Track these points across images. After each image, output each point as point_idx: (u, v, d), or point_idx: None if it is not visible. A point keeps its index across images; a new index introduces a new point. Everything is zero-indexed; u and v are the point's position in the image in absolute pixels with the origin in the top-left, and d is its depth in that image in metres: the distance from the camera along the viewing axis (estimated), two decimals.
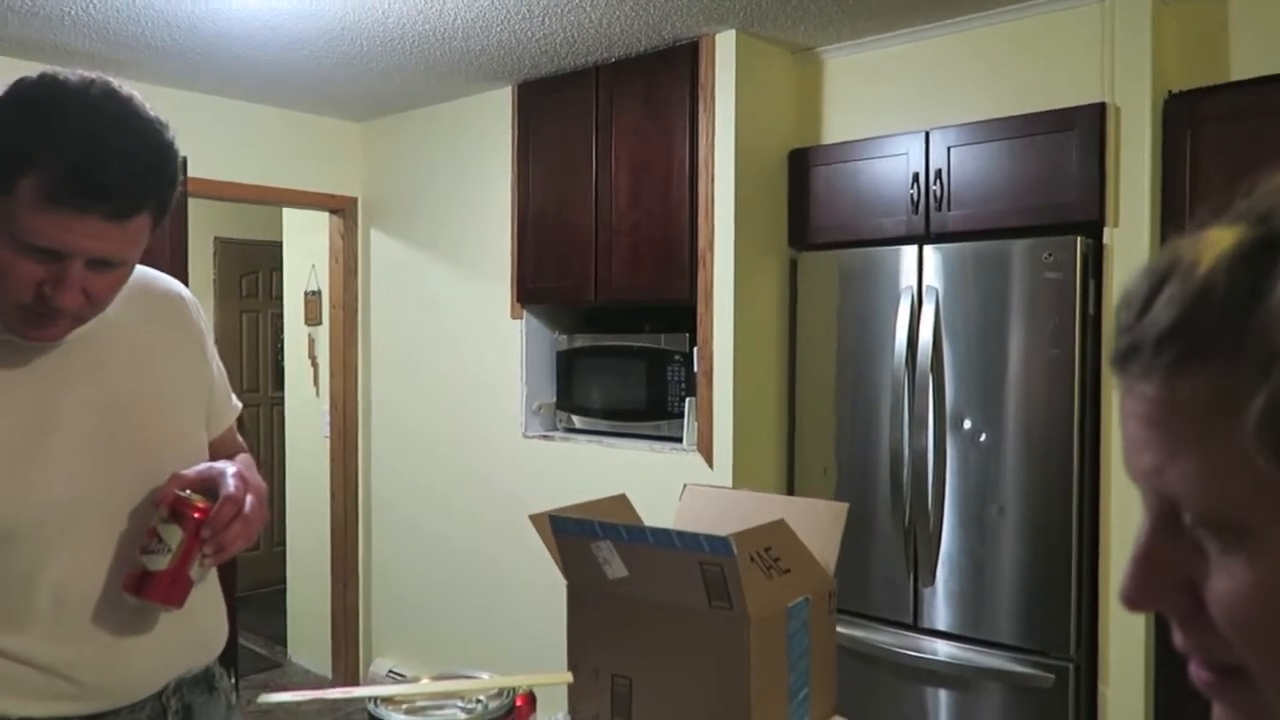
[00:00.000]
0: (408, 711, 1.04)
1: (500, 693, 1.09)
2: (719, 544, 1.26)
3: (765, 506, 1.56)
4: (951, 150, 2.68)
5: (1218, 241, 0.41)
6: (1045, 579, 2.50)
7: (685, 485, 1.66)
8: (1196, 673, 0.45)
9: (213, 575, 1.27)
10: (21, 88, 1.01)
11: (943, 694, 2.68)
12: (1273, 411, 0.37)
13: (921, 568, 2.71)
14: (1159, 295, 0.41)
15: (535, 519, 1.43)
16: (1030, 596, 2.54)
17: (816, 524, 1.51)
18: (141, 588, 1.09)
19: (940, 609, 2.69)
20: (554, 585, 1.45)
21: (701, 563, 1.29)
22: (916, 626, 2.73)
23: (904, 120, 2.84)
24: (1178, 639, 0.45)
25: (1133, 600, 0.44)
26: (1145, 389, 0.42)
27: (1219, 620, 0.41)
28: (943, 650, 2.67)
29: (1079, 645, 2.46)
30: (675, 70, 3.03)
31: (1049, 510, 2.50)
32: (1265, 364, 0.37)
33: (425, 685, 1.11)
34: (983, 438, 2.59)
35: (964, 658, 2.63)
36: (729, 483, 2.89)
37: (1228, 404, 0.38)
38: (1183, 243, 0.42)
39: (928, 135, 2.72)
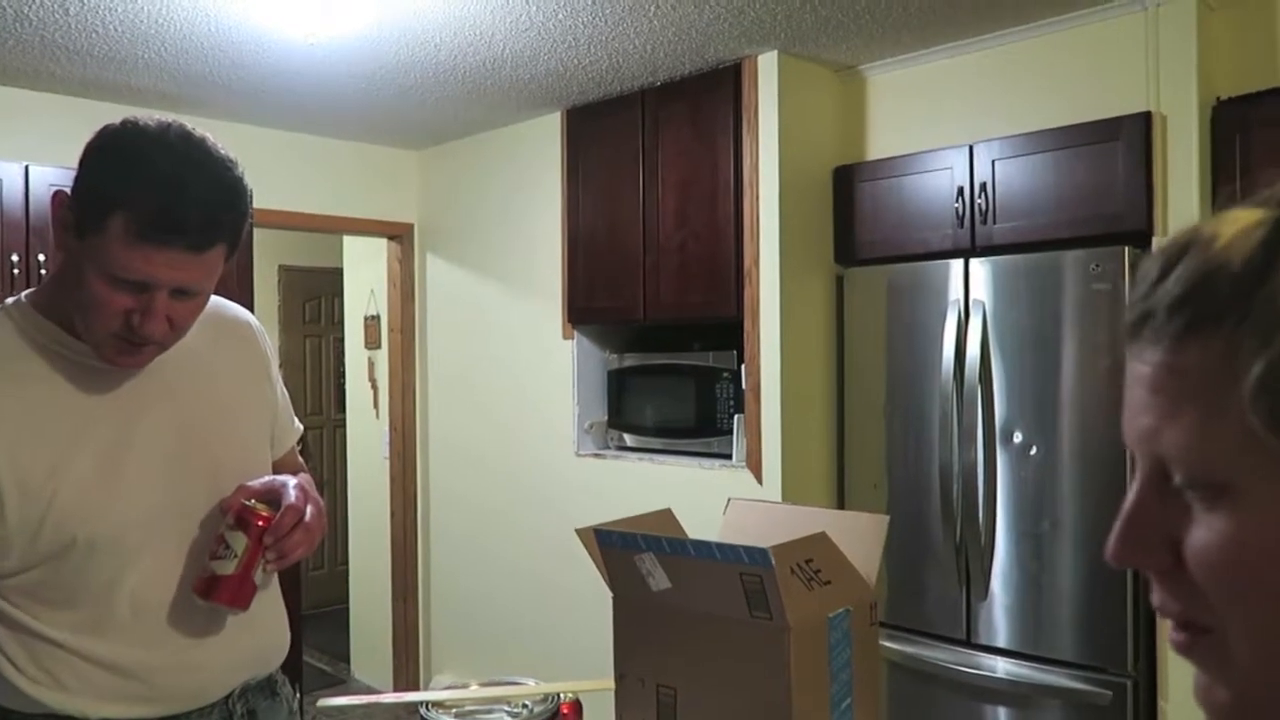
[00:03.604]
0: (457, 715, 1.09)
1: (545, 698, 1.13)
2: (758, 555, 1.29)
3: (808, 519, 1.58)
4: (996, 163, 2.69)
5: (1238, 219, 0.44)
6: (1102, 594, 2.47)
7: (729, 499, 1.69)
8: (1173, 636, 0.48)
9: (275, 590, 1.34)
10: (107, 135, 1.10)
11: (999, 710, 2.65)
12: (1270, 378, 0.40)
13: (974, 583, 2.69)
14: (1175, 267, 0.45)
15: (581, 533, 1.48)
16: (1087, 611, 2.50)
17: (858, 536, 1.53)
18: (210, 591, 1.17)
19: (995, 624, 2.67)
20: (608, 599, 1.48)
21: (741, 574, 1.32)
22: (970, 642, 2.71)
23: (948, 134, 2.84)
24: (1155, 596, 0.47)
25: (1117, 556, 0.47)
26: (1153, 355, 0.45)
27: (1195, 571, 0.44)
28: (998, 666, 2.65)
29: (1137, 661, 2.42)
30: (719, 92, 3.08)
31: (1104, 523, 2.45)
32: (1267, 333, 0.40)
33: (475, 691, 1.16)
34: (1034, 451, 2.57)
35: (1019, 674, 2.60)
36: (778, 499, 2.91)
37: (1229, 369, 0.42)
38: (1204, 222, 0.46)
39: (972, 149, 2.73)
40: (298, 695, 1.45)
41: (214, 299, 1.28)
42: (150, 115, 1.12)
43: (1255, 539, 0.42)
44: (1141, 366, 0.46)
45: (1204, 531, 0.44)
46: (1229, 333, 0.42)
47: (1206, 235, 0.44)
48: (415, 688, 4.31)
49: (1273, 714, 0.45)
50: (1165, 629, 2.43)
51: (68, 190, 1.10)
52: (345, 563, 4.95)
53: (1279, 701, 0.44)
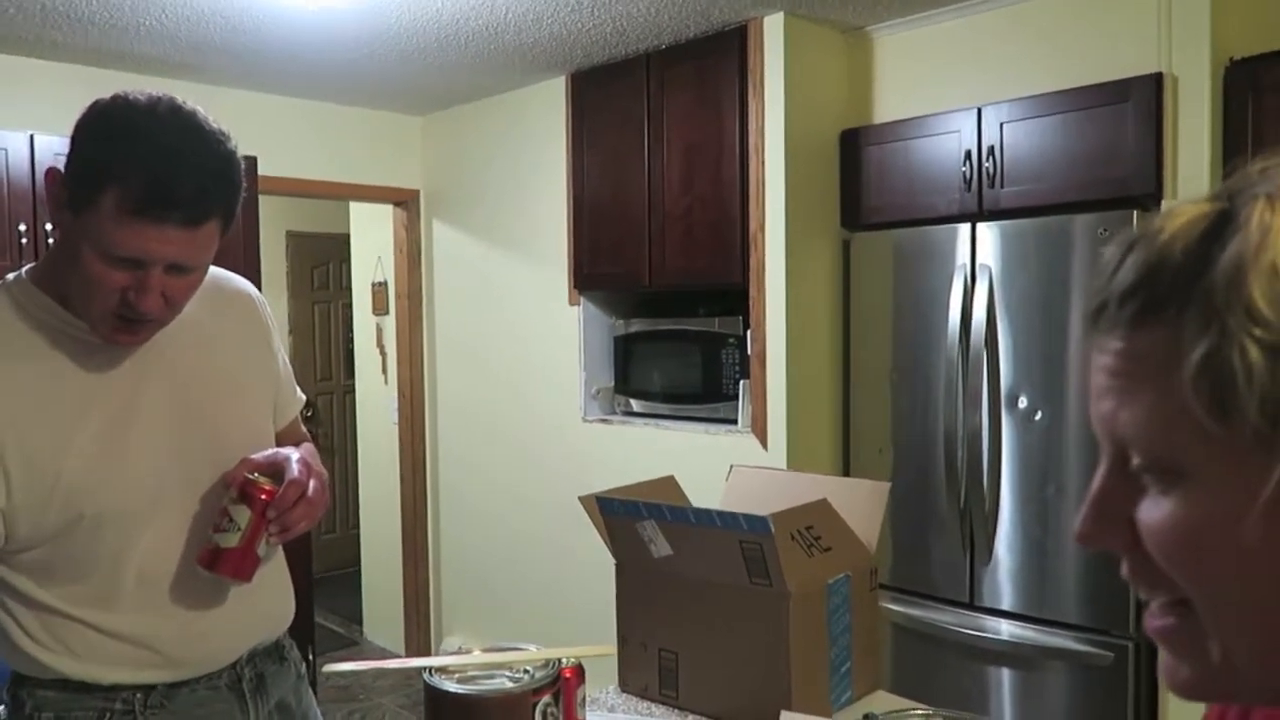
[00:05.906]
0: (459, 680, 1.11)
1: (547, 663, 1.15)
2: (757, 523, 1.30)
3: (809, 486, 1.59)
4: (1004, 126, 2.65)
5: (1183, 213, 0.45)
6: (1104, 558, 2.46)
7: (732, 466, 1.70)
8: (1149, 622, 0.49)
9: (279, 557, 1.36)
10: (97, 111, 1.09)
11: (1003, 672, 2.68)
12: (1207, 365, 0.42)
13: (978, 547, 2.70)
14: (1127, 259, 0.46)
15: (584, 500, 1.49)
16: (1089, 575, 2.52)
17: (859, 503, 1.54)
18: (214, 563, 1.18)
19: (998, 588, 2.69)
20: (613, 564, 1.50)
21: (741, 541, 1.34)
22: (974, 605, 2.73)
23: (956, 97, 2.81)
24: (1124, 570, 0.49)
25: (1085, 537, 0.49)
26: (1110, 343, 0.47)
27: (1150, 549, 0.46)
28: (1002, 628, 2.67)
29: (1139, 624, 2.44)
30: (724, 55, 3.04)
31: None
32: (1205, 322, 0.42)
33: (477, 656, 1.18)
34: (1038, 416, 2.57)
35: (1022, 636, 2.62)
36: (783, 464, 2.92)
37: (1173, 357, 0.43)
38: (1157, 215, 0.47)
39: (980, 112, 2.70)
40: (306, 659, 1.48)
41: (214, 270, 1.28)
42: (141, 89, 1.12)
43: (1202, 522, 0.43)
44: (1101, 355, 0.47)
45: (1155, 514, 0.45)
46: (1173, 321, 0.43)
47: (1154, 229, 0.46)
48: (426, 650, 4.37)
49: (1232, 688, 0.47)
50: None
51: (61, 166, 1.10)
52: (356, 526, 5.00)
53: (1240, 675, 0.45)
